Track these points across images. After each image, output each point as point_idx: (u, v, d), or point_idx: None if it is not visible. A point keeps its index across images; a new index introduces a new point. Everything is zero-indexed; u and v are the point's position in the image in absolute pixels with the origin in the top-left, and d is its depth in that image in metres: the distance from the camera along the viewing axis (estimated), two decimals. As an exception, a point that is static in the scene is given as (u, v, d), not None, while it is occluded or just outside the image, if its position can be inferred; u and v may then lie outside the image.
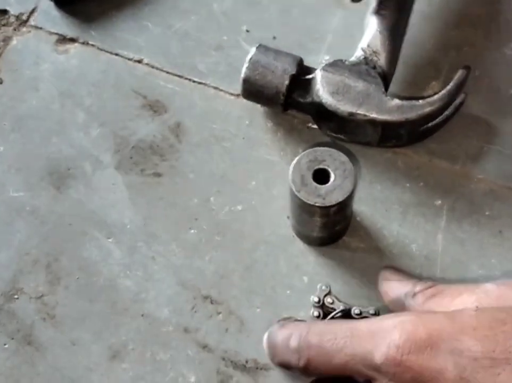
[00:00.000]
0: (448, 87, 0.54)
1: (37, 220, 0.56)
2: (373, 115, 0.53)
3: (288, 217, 0.55)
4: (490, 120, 0.58)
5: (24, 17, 0.64)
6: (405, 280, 0.46)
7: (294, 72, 0.55)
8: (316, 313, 0.49)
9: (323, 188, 0.48)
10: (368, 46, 0.55)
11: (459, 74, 0.55)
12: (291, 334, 0.43)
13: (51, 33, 0.63)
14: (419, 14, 0.61)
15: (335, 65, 0.55)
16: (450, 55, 0.60)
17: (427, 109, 0.53)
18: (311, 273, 0.54)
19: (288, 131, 0.58)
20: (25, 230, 0.55)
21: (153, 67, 0.61)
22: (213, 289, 0.53)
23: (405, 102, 0.53)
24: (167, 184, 0.57)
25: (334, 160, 0.49)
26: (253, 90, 0.56)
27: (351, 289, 0.53)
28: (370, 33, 0.56)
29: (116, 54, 0.62)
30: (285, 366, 0.45)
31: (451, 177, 0.56)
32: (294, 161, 0.49)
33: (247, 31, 0.62)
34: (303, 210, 0.50)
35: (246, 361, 0.51)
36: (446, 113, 0.56)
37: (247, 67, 0.55)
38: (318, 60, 0.61)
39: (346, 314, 0.48)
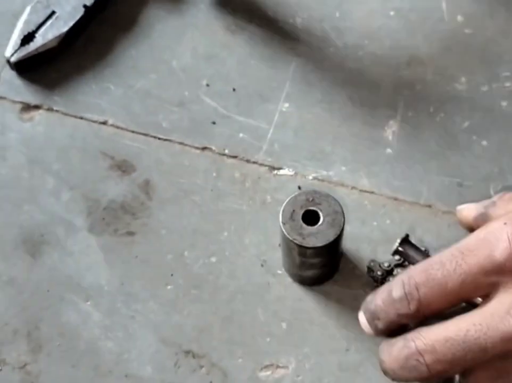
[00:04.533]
0: None
1: (14, 289, 0.56)
2: None
3: (262, 265, 0.57)
4: (448, 154, 0.60)
5: (-13, 88, 0.65)
6: (478, 203, 0.43)
7: None
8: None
9: (307, 229, 0.50)
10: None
11: None
12: (391, 288, 0.39)
13: (15, 102, 0.64)
14: (372, 55, 0.64)
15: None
16: (404, 93, 0.62)
17: None
18: (289, 319, 0.55)
19: (255, 180, 0.60)
20: (3, 301, 0.56)
21: (118, 127, 0.63)
22: (194, 343, 0.54)
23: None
24: (140, 242, 0.58)
25: (329, 207, 0.51)
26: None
27: (328, 332, 0.54)
28: None
29: (81, 117, 0.63)
30: (394, 327, 0.40)
31: (416, 213, 0.57)
32: (292, 195, 0.51)
33: (207, 85, 0.64)
34: (284, 243, 0.51)
35: (233, 413, 0.52)
36: None
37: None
38: (277, 109, 0.62)
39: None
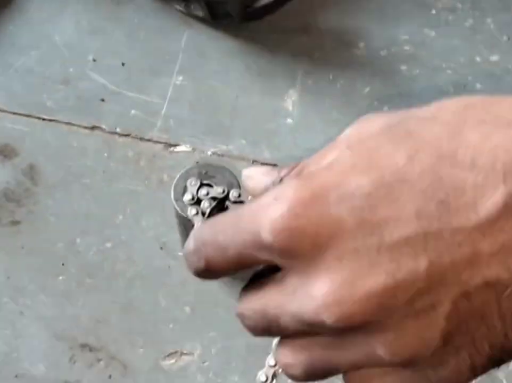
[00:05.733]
0: None
1: None
2: None
3: (161, 248, 0.53)
4: (350, 121, 0.57)
5: None
6: (269, 171, 0.39)
7: None
8: (194, 211, 0.45)
9: (189, 211, 0.46)
10: None
11: None
12: (190, 237, 0.36)
13: None
14: (268, 23, 0.61)
15: None
16: (303, 61, 0.60)
17: None
18: (193, 302, 0.51)
19: (150, 158, 0.56)
20: None
21: (-3, 109, 0.57)
22: (91, 335, 0.50)
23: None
24: (27, 231, 0.53)
25: (223, 179, 0.47)
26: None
27: (231, 313, 0.51)
28: None
29: (-45, 100, 0.58)
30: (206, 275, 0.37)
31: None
32: (183, 170, 0.47)
33: (94, 60, 0.59)
34: (179, 221, 0.48)
35: (135, 407, 0.48)
36: None
37: None
38: (171, 82, 0.59)
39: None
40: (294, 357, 0.33)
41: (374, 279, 0.29)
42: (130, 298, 0.51)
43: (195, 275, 0.39)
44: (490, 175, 0.28)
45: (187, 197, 0.45)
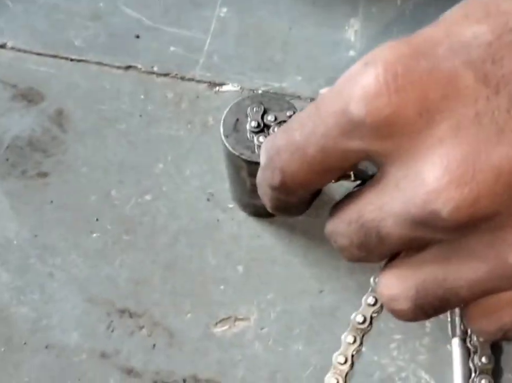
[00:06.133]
0: None
1: None
2: None
3: (208, 199, 0.46)
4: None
5: None
6: None
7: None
8: (262, 139, 0.39)
9: (257, 140, 0.39)
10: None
11: None
12: (261, 150, 0.31)
13: None
14: None
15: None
16: (364, -14, 0.52)
17: None
18: (246, 260, 0.44)
19: (192, 99, 0.49)
20: None
21: (19, 50, 0.51)
22: (130, 299, 0.43)
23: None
24: (56, 184, 0.47)
25: (281, 112, 0.40)
26: None
27: (295, 272, 0.44)
28: None
29: (-26, 42, 0.51)
30: (282, 204, 0.32)
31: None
32: (234, 101, 0.41)
33: (127, -7, 0.53)
34: (230, 163, 0.41)
35: (184, 381, 0.41)
36: None
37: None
38: (214, 15, 0.52)
39: None
40: (400, 284, 0.26)
41: (504, 150, 0.22)
42: (174, 256, 0.44)
43: (272, 209, 0.32)
44: None
45: (252, 124, 0.38)
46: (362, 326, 0.34)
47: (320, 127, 0.25)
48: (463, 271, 0.24)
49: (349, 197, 0.28)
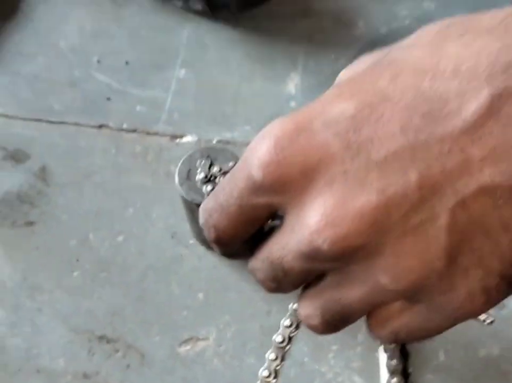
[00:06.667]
0: None
1: None
2: None
3: (172, 237, 0.54)
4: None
5: None
6: None
7: None
8: (210, 188, 0.45)
9: (208, 188, 0.47)
10: None
11: None
12: (199, 213, 0.37)
13: None
14: (266, 10, 0.61)
15: None
16: (303, 44, 0.60)
17: None
18: (206, 288, 0.52)
19: (157, 151, 0.57)
20: None
21: (7, 116, 0.59)
22: (107, 327, 0.51)
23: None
24: (41, 231, 0.54)
25: (226, 161, 0.48)
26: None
27: (246, 296, 0.51)
28: None
29: (-32, 111, 0.59)
30: (229, 250, 0.37)
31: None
32: (185, 156, 0.48)
33: (98, 61, 0.61)
34: (186, 206, 0.48)
35: (154, 394, 0.48)
36: None
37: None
38: (174, 76, 0.59)
39: None
40: (311, 305, 0.33)
41: (365, 198, 0.28)
42: (144, 289, 0.52)
43: (220, 254, 0.37)
44: (474, 80, 0.27)
45: (200, 176, 0.45)
46: (282, 345, 0.41)
47: (235, 190, 0.32)
48: (351, 291, 0.31)
49: (264, 240, 0.35)
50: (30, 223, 0.55)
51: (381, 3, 0.61)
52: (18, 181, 0.56)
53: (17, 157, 0.57)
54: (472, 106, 0.27)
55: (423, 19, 0.60)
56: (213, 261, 0.53)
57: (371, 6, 0.61)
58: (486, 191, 0.27)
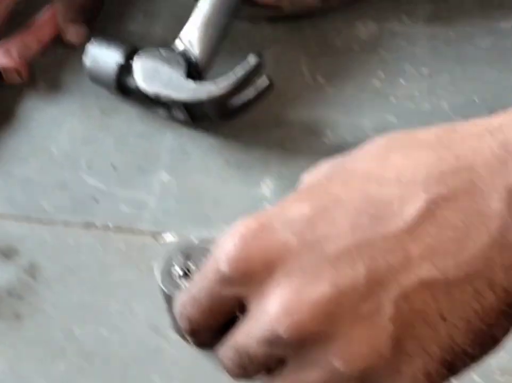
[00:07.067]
0: (236, 70, 0.62)
1: None
2: (174, 96, 0.63)
3: (153, 331, 0.57)
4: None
5: None
6: None
7: (122, 63, 0.64)
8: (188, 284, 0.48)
9: (185, 283, 0.51)
10: (184, 36, 0.65)
11: (249, 58, 0.62)
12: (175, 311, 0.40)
13: None
14: (244, 120, 0.67)
15: (149, 52, 0.65)
16: (276, 151, 0.65)
17: (215, 91, 0.62)
18: (184, 377, 0.55)
19: (140, 249, 0.61)
20: None
21: (-1, 215, 0.63)
22: (90, 417, 0.53)
23: (198, 85, 0.63)
24: (28, 324, 0.57)
25: (204, 258, 0.51)
26: (94, 76, 0.66)
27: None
28: (188, 24, 0.65)
29: (-38, 210, 0.63)
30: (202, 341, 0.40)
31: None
32: (165, 254, 0.52)
33: (87, 165, 0.65)
34: (165, 299, 0.52)
35: None
36: (249, 94, 0.63)
37: (86, 58, 0.66)
38: (157, 179, 0.64)
39: None
40: None
41: (319, 289, 0.32)
42: (126, 380, 0.54)
43: (195, 345, 0.41)
44: (413, 187, 0.32)
45: (179, 273, 0.49)
46: None
47: (206, 282, 0.36)
48: (311, 374, 0.34)
49: (232, 330, 0.38)
50: (18, 316, 0.58)
51: (347, 115, 0.67)
52: (8, 276, 0.60)
53: (8, 253, 0.61)
54: (411, 209, 0.32)
55: (386, 130, 0.67)
56: (192, 352, 0.56)
57: (338, 117, 0.67)
58: (425, 284, 0.31)
